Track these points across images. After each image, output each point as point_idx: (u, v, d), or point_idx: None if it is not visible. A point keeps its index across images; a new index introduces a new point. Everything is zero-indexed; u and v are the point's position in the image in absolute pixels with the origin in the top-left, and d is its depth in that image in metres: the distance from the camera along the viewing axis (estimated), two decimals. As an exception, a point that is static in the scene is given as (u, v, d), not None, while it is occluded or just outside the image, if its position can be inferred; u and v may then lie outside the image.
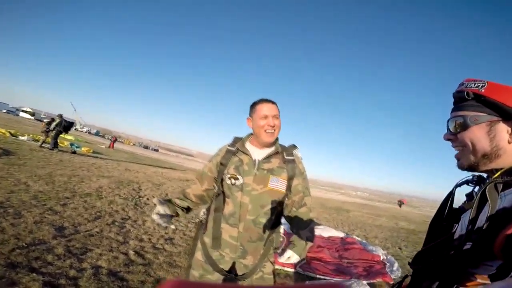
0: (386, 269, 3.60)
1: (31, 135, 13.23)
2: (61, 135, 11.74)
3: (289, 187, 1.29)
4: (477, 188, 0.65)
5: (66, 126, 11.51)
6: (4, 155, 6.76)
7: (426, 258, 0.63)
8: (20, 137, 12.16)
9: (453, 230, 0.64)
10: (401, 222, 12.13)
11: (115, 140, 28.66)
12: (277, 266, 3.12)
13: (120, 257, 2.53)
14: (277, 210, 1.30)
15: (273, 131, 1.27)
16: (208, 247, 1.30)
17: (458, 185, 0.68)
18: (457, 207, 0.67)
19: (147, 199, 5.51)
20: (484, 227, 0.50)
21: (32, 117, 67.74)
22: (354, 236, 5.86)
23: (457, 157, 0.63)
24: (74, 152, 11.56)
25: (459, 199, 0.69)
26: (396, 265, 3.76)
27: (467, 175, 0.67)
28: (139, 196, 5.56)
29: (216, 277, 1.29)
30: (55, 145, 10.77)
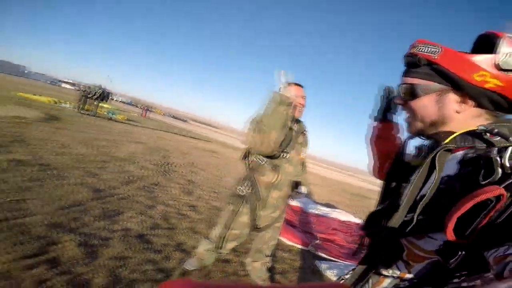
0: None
1: (72, 103, 14.34)
2: (99, 104, 12.73)
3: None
4: (426, 142, 0.65)
5: (106, 95, 12.57)
6: (52, 119, 7.46)
7: (377, 222, 0.63)
8: (63, 105, 13.26)
9: (401, 190, 0.63)
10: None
11: (147, 109, 30.07)
12: (289, 243, 3.16)
13: (147, 220, 2.72)
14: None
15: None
16: (258, 210, 1.57)
17: (410, 137, 0.68)
18: (407, 160, 0.67)
19: (175, 166, 5.80)
20: (430, 198, 0.49)
21: (73, 87, 73.71)
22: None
23: (407, 121, 0.63)
24: (111, 119, 12.42)
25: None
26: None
27: None
28: (168, 163, 5.86)
29: (247, 231, 1.61)
30: (95, 112, 11.72)
